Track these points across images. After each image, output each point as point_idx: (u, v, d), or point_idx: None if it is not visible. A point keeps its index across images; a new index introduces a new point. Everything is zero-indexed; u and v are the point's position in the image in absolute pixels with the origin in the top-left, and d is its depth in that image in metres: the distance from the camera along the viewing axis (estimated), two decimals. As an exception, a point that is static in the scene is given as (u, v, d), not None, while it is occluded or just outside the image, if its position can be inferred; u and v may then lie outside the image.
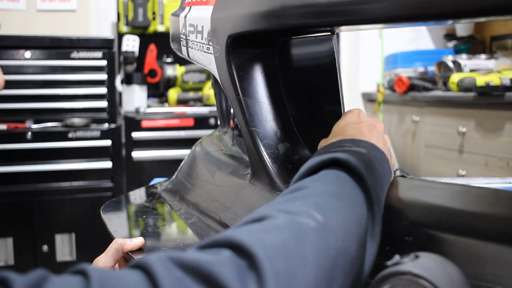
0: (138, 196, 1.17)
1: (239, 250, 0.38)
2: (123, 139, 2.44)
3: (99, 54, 2.33)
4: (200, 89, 2.83)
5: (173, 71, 2.80)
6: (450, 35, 3.02)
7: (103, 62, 2.34)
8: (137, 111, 2.54)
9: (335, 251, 0.43)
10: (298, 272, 0.38)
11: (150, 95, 2.82)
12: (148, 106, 2.65)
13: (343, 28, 0.76)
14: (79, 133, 2.29)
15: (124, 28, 2.81)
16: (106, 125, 2.35)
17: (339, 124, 0.68)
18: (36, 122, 2.28)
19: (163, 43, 2.91)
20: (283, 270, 0.37)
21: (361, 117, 0.67)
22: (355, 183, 0.52)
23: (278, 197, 0.51)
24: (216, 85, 1.17)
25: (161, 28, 2.83)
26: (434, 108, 2.39)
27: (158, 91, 2.89)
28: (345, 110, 0.75)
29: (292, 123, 0.82)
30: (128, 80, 2.59)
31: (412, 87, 2.52)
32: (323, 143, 0.66)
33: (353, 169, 0.53)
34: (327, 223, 0.45)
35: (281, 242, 0.40)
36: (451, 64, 2.44)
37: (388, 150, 0.65)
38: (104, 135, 2.33)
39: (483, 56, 2.57)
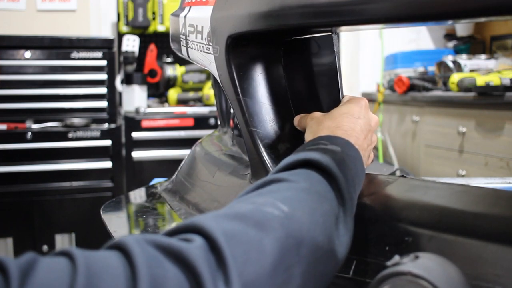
0: (138, 196, 1.17)
1: (202, 234, 0.42)
2: (123, 139, 2.43)
3: (99, 54, 2.33)
4: (200, 89, 2.83)
5: (173, 71, 2.80)
6: (450, 35, 3.02)
7: (103, 62, 2.34)
8: (137, 111, 2.54)
9: (296, 239, 0.45)
10: (254, 257, 0.41)
11: (150, 95, 2.81)
12: (148, 106, 2.65)
13: (343, 28, 0.76)
14: (79, 133, 2.29)
15: (124, 28, 2.81)
16: (106, 125, 2.35)
17: (341, 110, 0.70)
18: (36, 122, 2.28)
19: (163, 43, 2.91)
20: (240, 255, 0.40)
21: (362, 112, 0.70)
22: (325, 181, 0.55)
23: (250, 188, 0.54)
24: (216, 85, 1.17)
25: (161, 28, 2.82)
26: (434, 108, 2.38)
27: (158, 91, 2.88)
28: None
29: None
30: (128, 80, 2.59)
31: (412, 87, 2.52)
32: (314, 123, 0.70)
33: (324, 169, 0.56)
34: (292, 213, 0.47)
35: (240, 228, 0.43)
36: (451, 64, 2.44)
37: (369, 149, 0.70)
38: (104, 135, 2.33)
39: (483, 56, 2.57)
